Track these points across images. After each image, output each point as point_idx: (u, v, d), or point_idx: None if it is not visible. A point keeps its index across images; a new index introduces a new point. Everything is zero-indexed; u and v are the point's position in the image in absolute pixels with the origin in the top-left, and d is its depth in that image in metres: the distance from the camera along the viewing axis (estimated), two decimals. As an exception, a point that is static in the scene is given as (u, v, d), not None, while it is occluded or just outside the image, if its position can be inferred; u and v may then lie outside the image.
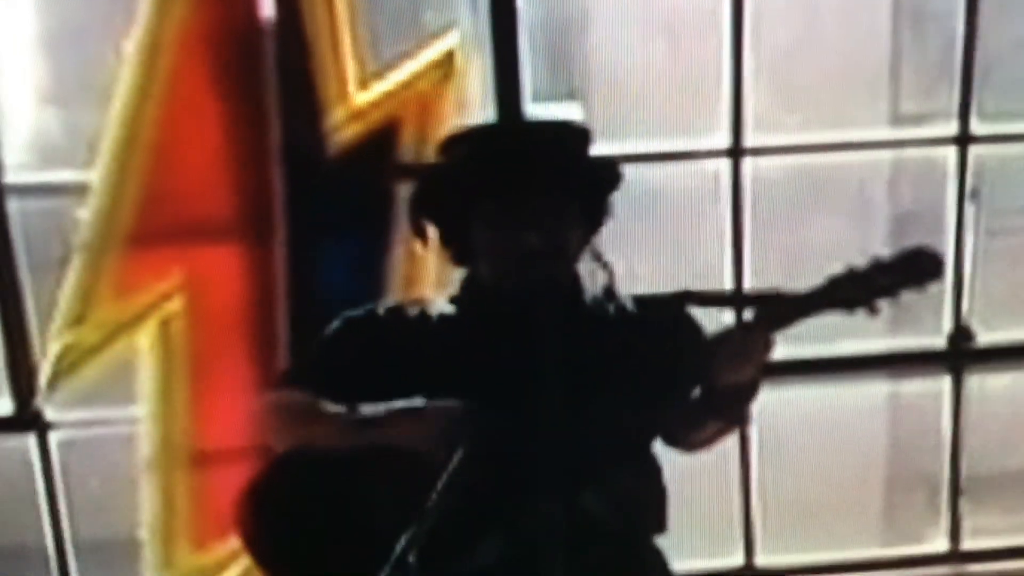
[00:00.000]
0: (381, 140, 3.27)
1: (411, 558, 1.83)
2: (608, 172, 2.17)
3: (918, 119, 3.56)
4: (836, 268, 2.08)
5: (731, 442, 3.34)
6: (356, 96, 3.24)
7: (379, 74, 3.25)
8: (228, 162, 3.24)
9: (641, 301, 2.19)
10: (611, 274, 2.12)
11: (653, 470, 2.21)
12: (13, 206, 3.30)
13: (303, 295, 3.28)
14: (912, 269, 2.08)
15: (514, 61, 3.33)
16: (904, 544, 3.82)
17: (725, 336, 2.13)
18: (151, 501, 3.36)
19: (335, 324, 2.22)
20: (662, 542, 2.23)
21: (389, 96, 3.26)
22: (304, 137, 3.24)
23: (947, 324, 3.61)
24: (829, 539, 3.75)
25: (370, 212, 3.28)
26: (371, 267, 3.26)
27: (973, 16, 3.40)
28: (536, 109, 3.34)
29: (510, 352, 2.05)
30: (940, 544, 3.80)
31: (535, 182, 2.07)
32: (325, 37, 3.20)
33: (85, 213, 3.22)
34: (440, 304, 2.22)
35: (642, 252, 3.16)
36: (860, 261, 2.07)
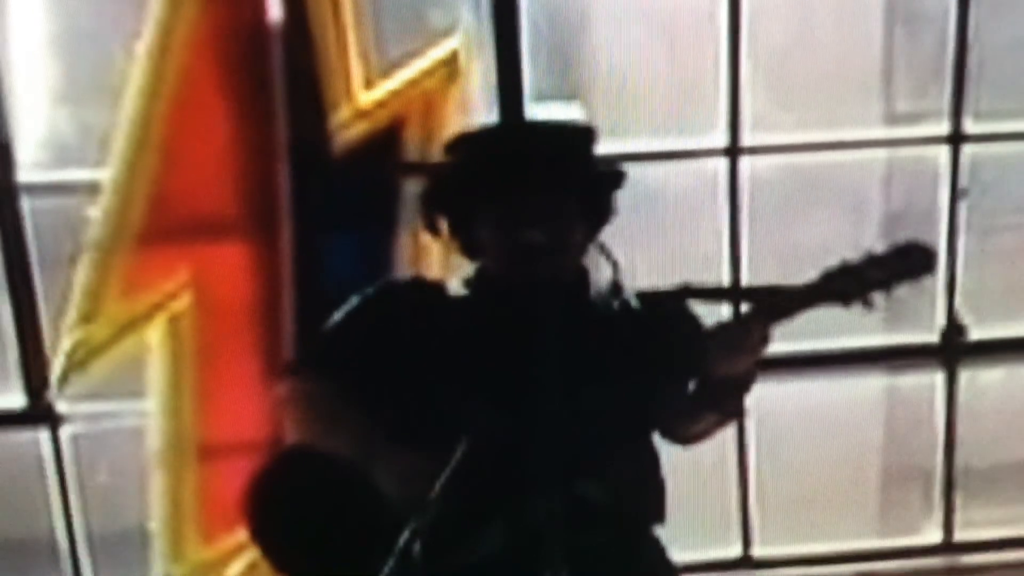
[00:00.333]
0: (386, 139, 3.29)
1: (416, 548, 1.85)
2: (611, 171, 2.19)
3: (911, 118, 3.56)
4: (831, 263, 2.09)
5: (729, 435, 3.39)
6: (361, 96, 3.26)
7: (384, 74, 3.27)
8: (236, 160, 3.26)
9: (642, 295, 2.20)
10: (617, 269, 2.13)
11: (652, 461, 2.22)
12: (26, 204, 3.31)
13: (309, 291, 3.29)
14: (905, 263, 2.09)
15: (516, 61, 3.34)
16: (899, 535, 3.82)
17: (722, 329, 2.15)
18: (160, 493, 3.38)
19: (350, 303, 2.21)
20: (661, 533, 2.25)
21: (394, 95, 3.28)
22: (310, 136, 3.25)
23: (941, 320, 3.63)
24: (825, 530, 3.75)
25: (375, 209, 3.30)
26: (376, 263, 3.28)
27: (965, 17, 3.42)
28: (537, 108, 3.35)
29: (514, 343, 2.07)
30: (934, 535, 3.82)
31: (537, 181, 2.09)
32: (331, 38, 3.22)
33: (96, 212, 3.25)
34: (455, 286, 2.23)
35: (640, 249, 3.15)
36: (854, 256, 2.09)
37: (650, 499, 2.22)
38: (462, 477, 1.88)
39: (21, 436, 3.46)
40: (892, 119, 3.57)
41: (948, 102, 3.50)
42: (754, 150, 3.47)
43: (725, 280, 3.47)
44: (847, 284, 2.08)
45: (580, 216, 2.14)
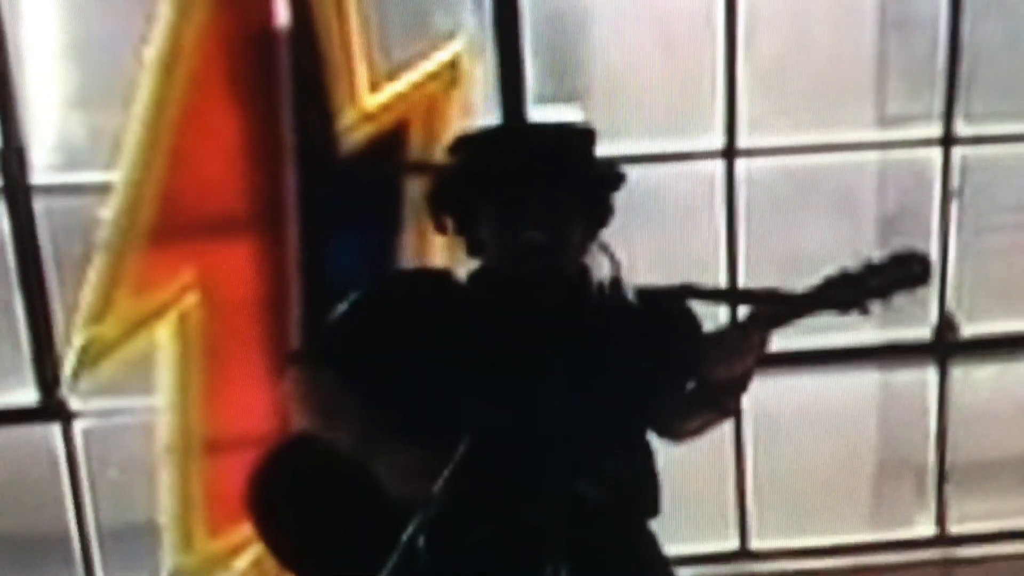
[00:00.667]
0: (390, 140, 3.31)
1: (420, 542, 1.88)
2: (611, 172, 2.20)
3: (904, 121, 3.58)
4: (826, 265, 2.11)
5: (726, 430, 3.37)
6: (367, 98, 3.28)
7: (389, 77, 3.29)
8: (244, 162, 3.28)
9: (642, 293, 2.19)
10: (618, 267, 2.13)
11: (647, 455, 2.25)
12: (39, 205, 3.35)
13: (315, 289, 3.31)
14: (903, 272, 2.10)
15: (517, 64, 3.37)
16: (893, 528, 3.85)
17: (722, 333, 2.17)
18: (170, 487, 3.40)
19: (355, 294, 2.23)
20: (660, 526, 2.27)
21: (398, 98, 3.30)
22: (317, 138, 3.27)
23: (933, 317, 3.66)
24: (821, 523, 3.77)
25: (380, 210, 3.32)
26: (381, 262, 3.30)
27: (956, 21, 3.46)
28: (538, 111, 3.38)
29: (515, 340, 2.09)
30: (927, 528, 3.85)
31: (537, 182, 2.11)
32: (337, 43, 3.24)
33: (107, 212, 3.27)
34: (460, 278, 2.24)
35: (638, 249, 3.16)
36: (849, 257, 2.11)
37: (645, 493, 2.23)
38: (463, 472, 1.91)
39: (34, 432, 3.49)
40: (885, 122, 3.59)
41: (940, 105, 3.53)
42: (750, 152, 3.50)
43: (722, 280, 3.49)
44: (847, 292, 2.09)
45: (580, 216, 2.15)
